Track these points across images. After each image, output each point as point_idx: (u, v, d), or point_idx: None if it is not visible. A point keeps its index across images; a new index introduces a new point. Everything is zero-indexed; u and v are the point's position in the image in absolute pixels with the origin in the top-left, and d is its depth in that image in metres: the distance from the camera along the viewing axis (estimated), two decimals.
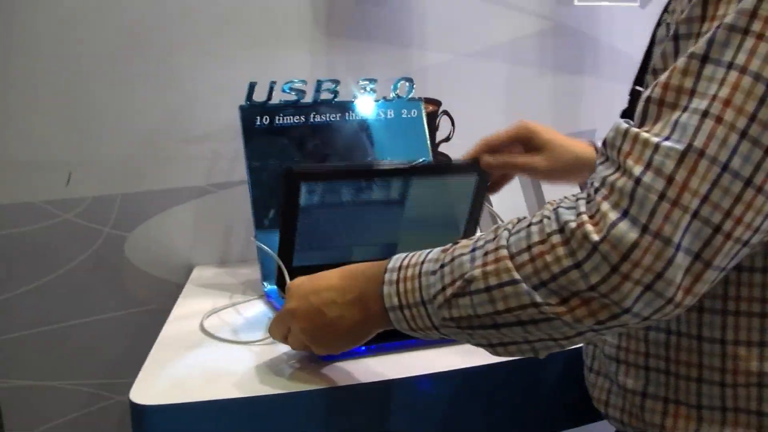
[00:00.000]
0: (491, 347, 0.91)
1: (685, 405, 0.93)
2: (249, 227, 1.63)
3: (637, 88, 1.05)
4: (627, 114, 1.08)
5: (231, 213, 1.66)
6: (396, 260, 0.97)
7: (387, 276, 0.96)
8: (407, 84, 1.58)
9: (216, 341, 1.24)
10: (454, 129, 1.66)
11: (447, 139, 1.66)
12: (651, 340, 0.95)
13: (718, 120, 0.75)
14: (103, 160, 1.56)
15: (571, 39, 2.01)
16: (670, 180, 0.75)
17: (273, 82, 1.49)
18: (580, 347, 1.13)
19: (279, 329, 1.10)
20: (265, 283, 1.45)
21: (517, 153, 1.35)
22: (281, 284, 1.23)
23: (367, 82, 1.56)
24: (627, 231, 0.75)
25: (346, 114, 1.55)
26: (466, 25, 1.86)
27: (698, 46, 0.78)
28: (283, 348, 1.16)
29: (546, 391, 1.20)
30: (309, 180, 1.29)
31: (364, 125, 1.56)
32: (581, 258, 0.78)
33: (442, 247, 0.94)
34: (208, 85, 1.60)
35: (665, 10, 0.98)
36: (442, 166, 1.44)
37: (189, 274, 1.62)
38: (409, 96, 1.59)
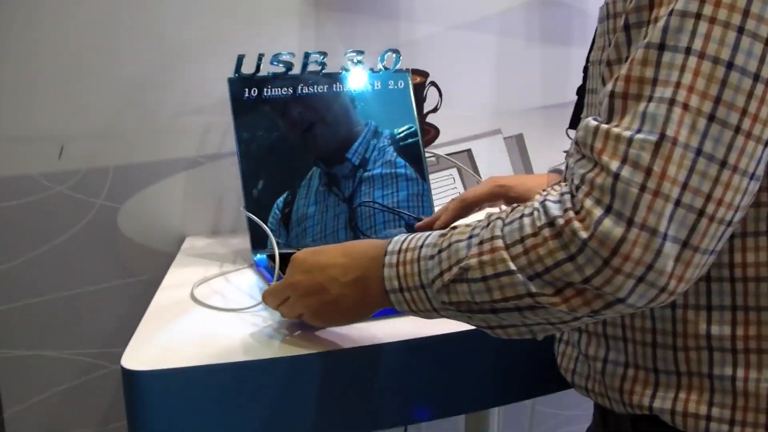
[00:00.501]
0: (490, 329, 0.93)
1: (643, 369, 0.94)
2: (240, 198, 1.65)
3: (588, 65, 1.06)
4: (581, 90, 1.12)
5: (222, 184, 1.68)
6: (396, 242, 0.99)
7: (387, 258, 0.98)
8: (394, 55, 1.60)
9: (206, 309, 1.26)
10: (441, 100, 1.67)
11: (434, 110, 1.68)
12: None
13: (685, 107, 0.76)
14: (96, 132, 1.58)
15: (558, 10, 2.02)
16: (648, 171, 0.76)
17: (261, 55, 1.51)
18: None
19: (276, 298, 1.13)
20: (254, 252, 1.47)
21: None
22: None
23: (355, 54, 1.58)
24: (613, 226, 0.77)
25: (334, 85, 1.57)
26: None
27: (654, 35, 0.79)
28: (274, 315, 1.18)
29: (518, 358, 1.21)
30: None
31: (351, 97, 1.58)
32: (574, 251, 0.80)
33: (440, 231, 0.96)
34: (199, 58, 1.62)
35: None
36: None
37: (181, 245, 1.64)
38: (396, 67, 1.61)
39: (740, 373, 0.89)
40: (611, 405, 0.98)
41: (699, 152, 0.76)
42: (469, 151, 1.92)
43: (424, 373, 1.15)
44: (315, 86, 1.55)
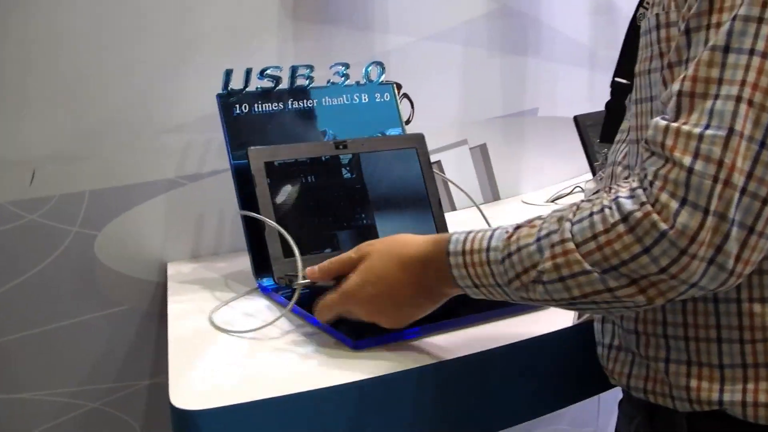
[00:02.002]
0: (565, 308, 0.99)
1: (708, 366, 0.97)
2: (221, 219, 1.61)
3: (618, 80, 1.16)
4: (610, 105, 1.19)
5: (202, 206, 1.60)
6: (455, 243, 1.03)
7: (452, 260, 1.02)
8: (378, 68, 1.57)
9: (230, 336, 1.21)
10: (413, 111, 1.66)
11: (407, 122, 1.66)
12: (668, 309, 0.99)
13: (749, 103, 0.83)
14: (70, 156, 1.48)
15: (515, 20, 2.04)
16: (720, 164, 0.82)
17: (249, 69, 1.46)
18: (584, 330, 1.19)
19: (332, 313, 1.14)
20: (259, 277, 1.41)
21: None
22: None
23: (342, 67, 1.54)
24: (690, 217, 0.82)
25: (323, 99, 1.53)
26: (425, 8, 1.86)
27: (718, 38, 0.85)
28: (299, 336, 1.19)
29: (552, 370, 1.23)
30: (272, 158, 1.39)
31: (339, 110, 1.55)
32: (649, 244, 0.84)
33: (502, 232, 0.99)
34: (175, 75, 1.54)
35: (641, 4, 1.08)
36: (379, 139, 1.53)
37: (161, 271, 1.56)
38: (380, 80, 1.58)
39: None
40: (674, 404, 1.00)
41: (763, 144, 0.83)
42: (438, 162, 1.90)
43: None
44: (304, 101, 1.51)
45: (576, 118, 1.79)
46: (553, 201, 1.94)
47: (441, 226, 1.48)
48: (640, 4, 1.08)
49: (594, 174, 1.77)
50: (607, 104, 1.18)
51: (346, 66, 1.53)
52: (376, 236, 1.40)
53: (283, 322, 1.24)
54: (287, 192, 1.38)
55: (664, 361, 1.00)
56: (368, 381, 1.04)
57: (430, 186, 1.49)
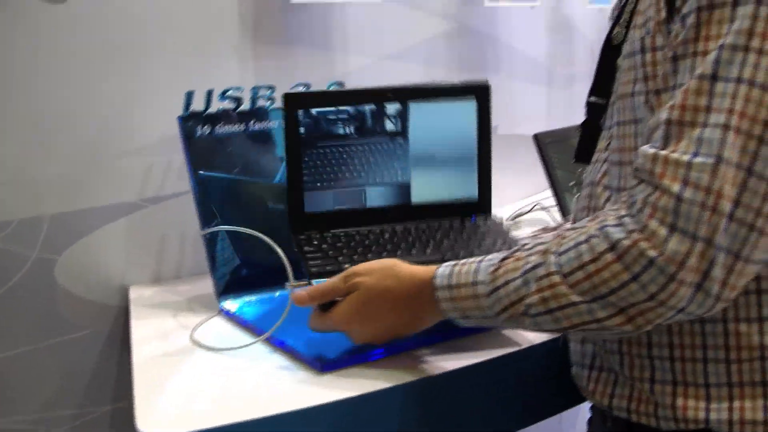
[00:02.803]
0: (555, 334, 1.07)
1: (694, 385, 0.98)
2: (183, 242, 1.59)
3: (593, 99, 1.15)
4: (587, 125, 1.18)
5: (163, 228, 1.59)
6: (442, 278, 1.05)
7: (440, 294, 1.04)
8: (339, 88, 1.57)
9: (196, 359, 1.21)
10: None
11: None
12: (653, 330, 0.99)
13: (737, 130, 0.84)
14: (29, 180, 1.46)
15: (473, 39, 2.05)
16: (708, 191, 0.83)
17: (210, 91, 1.45)
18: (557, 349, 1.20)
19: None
20: (221, 299, 1.40)
21: None
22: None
23: (302, 87, 1.54)
24: (679, 243, 0.84)
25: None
26: (384, 29, 1.87)
27: (706, 66, 0.87)
28: (267, 358, 1.19)
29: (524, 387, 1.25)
30: (305, 106, 1.32)
31: None
32: (637, 271, 0.86)
33: (488, 265, 1.01)
34: (135, 97, 1.53)
35: (616, 22, 1.09)
36: (435, 88, 1.42)
37: (123, 295, 1.54)
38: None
39: None
40: (658, 423, 1.01)
41: (750, 171, 0.84)
42: None
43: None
44: (267, 121, 1.50)
45: (536, 136, 1.80)
46: (513, 219, 1.95)
47: (484, 190, 1.43)
48: (615, 23, 1.09)
49: (556, 193, 1.78)
50: (583, 124, 1.18)
51: (308, 86, 1.53)
52: (408, 198, 1.38)
53: (249, 343, 1.24)
54: (319, 143, 1.34)
55: (649, 381, 1.01)
56: (336, 403, 1.04)
57: (483, 144, 1.42)
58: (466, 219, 1.38)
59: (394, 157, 1.37)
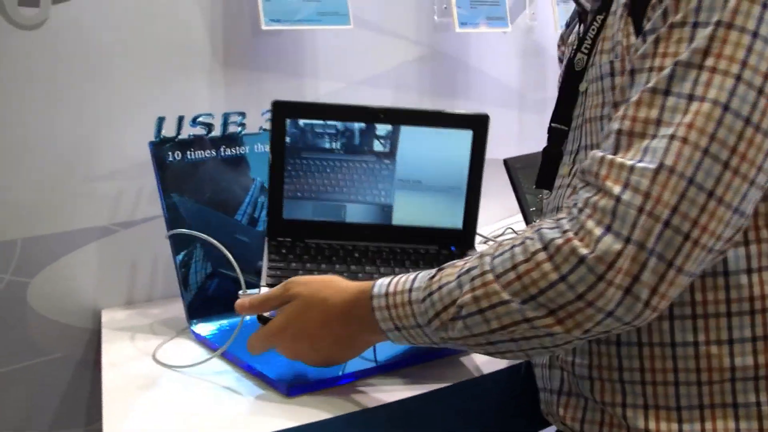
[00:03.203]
0: (489, 354, 1.00)
1: (665, 408, 0.99)
2: (154, 265, 1.60)
3: (555, 125, 1.15)
4: (548, 150, 1.18)
5: (135, 252, 1.60)
6: (381, 286, 1.05)
7: (375, 302, 1.04)
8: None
9: (165, 382, 1.22)
10: None
11: None
12: (623, 355, 1.01)
13: (684, 141, 0.85)
14: (1, 203, 1.47)
15: (445, 64, 2.08)
16: (646, 195, 0.85)
17: (181, 117, 1.47)
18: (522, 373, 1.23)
19: (263, 347, 1.15)
20: (192, 322, 1.42)
21: None
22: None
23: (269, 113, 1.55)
24: (612, 243, 0.85)
25: (255, 146, 1.54)
26: (355, 54, 1.89)
27: (659, 81, 0.89)
28: (234, 381, 1.19)
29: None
30: (295, 115, 1.34)
31: None
32: (566, 271, 0.87)
33: (428, 273, 1.02)
34: (107, 122, 1.54)
35: (578, 49, 1.10)
36: (431, 114, 1.42)
37: (95, 318, 1.55)
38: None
39: (763, 397, 0.96)
40: None
41: (691, 181, 0.85)
42: None
43: None
44: (237, 147, 1.52)
45: (506, 162, 1.82)
46: (485, 242, 1.97)
47: (470, 222, 1.41)
48: (577, 50, 1.10)
49: (525, 217, 1.80)
50: (545, 150, 1.19)
51: None
52: (389, 218, 1.38)
53: (219, 366, 1.26)
54: (304, 154, 1.35)
55: (621, 406, 1.02)
56: (301, 428, 1.05)
57: (474, 176, 1.40)
58: (445, 248, 1.38)
59: (379, 177, 1.38)
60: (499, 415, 1.27)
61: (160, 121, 1.45)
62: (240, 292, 1.24)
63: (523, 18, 2.35)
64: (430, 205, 1.39)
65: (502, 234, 1.99)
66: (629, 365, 1.01)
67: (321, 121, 1.35)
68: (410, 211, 1.38)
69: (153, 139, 1.45)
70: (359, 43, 1.89)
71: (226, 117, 1.52)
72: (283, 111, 1.34)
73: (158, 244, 1.48)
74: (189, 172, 1.47)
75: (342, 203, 1.36)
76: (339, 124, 1.37)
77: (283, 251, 1.29)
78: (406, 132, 1.38)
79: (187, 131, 1.49)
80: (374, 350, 1.22)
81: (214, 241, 1.31)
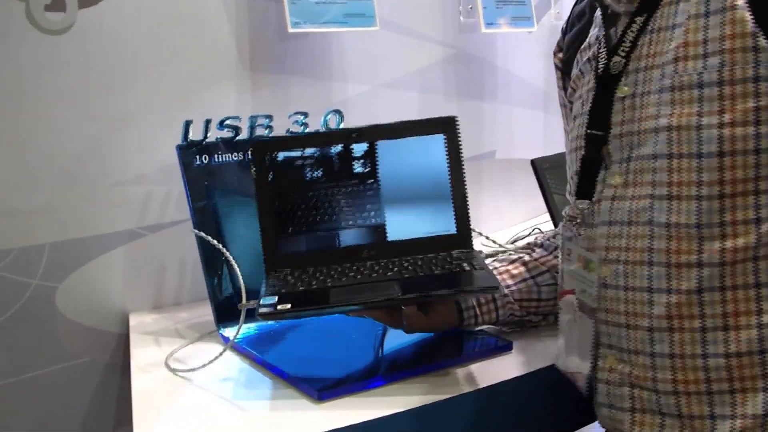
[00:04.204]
0: None
1: (752, 417, 0.98)
2: (182, 269, 1.61)
3: (592, 132, 1.11)
4: (587, 158, 1.12)
5: (162, 256, 1.61)
6: None
7: None
8: (337, 116, 1.58)
9: (195, 387, 1.22)
10: None
11: None
12: (711, 367, 1.00)
13: None
14: (29, 208, 1.47)
15: (472, 65, 2.07)
16: None
17: (208, 120, 1.47)
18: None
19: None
20: (220, 327, 1.41)
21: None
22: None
23: (299, 116, 1.55)
24: None
25: None
26: (381, 56, 1.89)
27: None
28: (265, 386, 1.19)
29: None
30: (274, 150, 1.34)
31: None
32: None
33: None
34: (135, 126, 1.55)
35: (614, 52, 1.07)
36: (400, 125, 1.40)
37: (123, 322, 1.56)
38: (339, 128, 1.59)
39: None
40: None
41: None
42: None
43: None
44: None
45: (533, 162, 1.81)
46: (512, 243, 1.96)
47: (463, 224, 1.37)
48: (612, 53, 1.07)
49: (553, 218, 1.79)
50: (584, 158, 1.12)
51: (305, 115, 1.54)
52: (384, 236, 1.36)
53: (249, 372, 1.26)
54: (289, 189, 1.35)
55: (709, 418, 1.00)
56: None
57: (456, 178, 1.37)
58: (442, 254, 1.36)
59: (366, 197, 1.36)
60: (536, 413, 1.26)
61: (187, 124, 1.45)
62: (239, 304, 1.27)
63: (549, 17, 2.33)
64: (421, 214, 1.37)
65: (530, 234, 1.98)
66: (717, 376, 0.99)
67: (299, 153, 1.36)
68: (403, 224, 1.37)
69: (180, 142, 1.45)
70: (385, 45, 1.89)
71: (253, 120, 1.51)
72: (262, 149, 1.35)
73: (186, 248, 1.49)
74: (217, 176, 1.47)
75: (334, 230, 1.35)
76: (318, 152, 1.36)
77: (281, 276, 1.29)
78: (382, 147, 1.37)
79: (215, 135, 1.49)
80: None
81: (223, 249, 1.34)
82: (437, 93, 1.99)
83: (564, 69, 1.28)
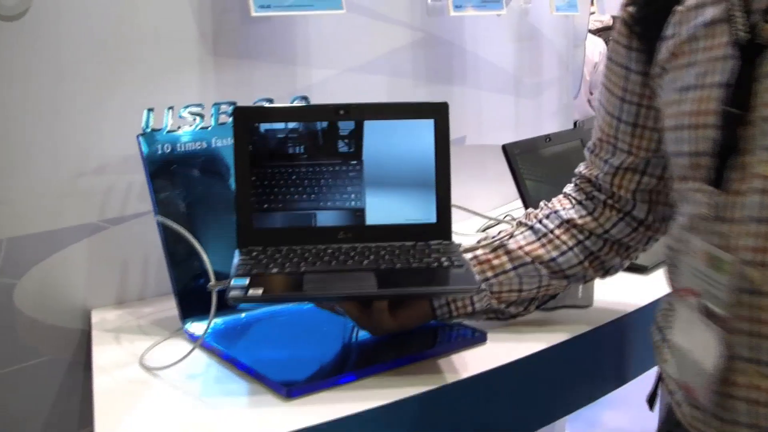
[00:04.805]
0: None
1: None
2: (146, 263, 1.56)
3: (729, 109, 0.95)
4: (723, 141, 0.96)
5: (125, 250, 1.55)
6: None
7: None
8: (303, 102, 1.54)
9: (158, 385, 1.18)
10: None
11: None
12: None
13: None
14: None
15: (440, 49, 2.03)
16: None
17: (170, 108, 1.42)
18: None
19: None
20: (185, 321, 1.37)
21: None
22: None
23: (265, 102, 1.51)
24: None
25: None
26: (348, 40, 1.84)
27: None
28: (231, 383, 1.17)
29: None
30: (259, 120, 1.28)
31: None
32: None
33: None
34: (93, 114, 1.49)
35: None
36: (391, 106, 1.35)
37: (86, 318, 1.50)
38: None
39: None
40: None
41: None
42: None
43: None
44: (229, 138, 1.46)
45: (505, 147, 1.77)
46: (483, 230, 1.93)
47: (443, 214, 1.33)
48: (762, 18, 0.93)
49: (525, 203, 1.75)
50: (720, 141, 0.95)
51: (270, 101, 1.50)
52: (362, 219, 1.31)
53: (217, 369, 1.22)
54: (268, 163, 1.29)
55: None
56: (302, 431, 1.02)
57: (442, 166, 1.33)
58: (421, 242, 1.32)
59: (348, 178, 1.31)
60: (504, 412, 1.24)
61: (149, 112, 1.40)
62: (209, 284, 1.23)
63: (518, 1, 2.30)
64: (402, 200, 1.33)
65: (502, 222, 1.94)
66: None
67: (283, 125, 1.30)
68: (383, 209, 1.32)
69: (141, 131, 1.40)
70: (352, 28, 1.84)
71: (216, 108, 1.46)
72: (245, 117, 1.29)
73: (150, 241, 1.43)
74: (180, 164, 1.42)
75: (312, 209, 1.31)
76: (302, 127, 1.31)
77: (254, 254, 1.24)
78: (369, 127, 1.31)
79: (177, 123, 1.44)
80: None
81: (187, 235, 1.29)
82: (405, 77, 1.95)
83: (634, 26, 1.13)
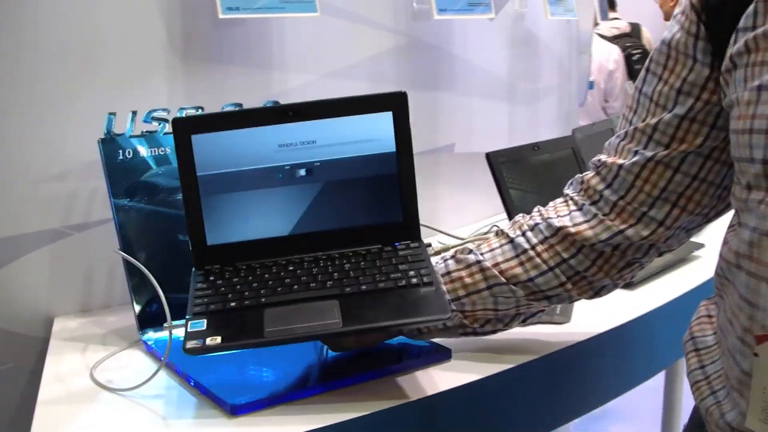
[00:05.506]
0: None
1: None
2: (111, 270, 1.52)
3: None
4: None
5: (90, 257, 1.52)
6: None
7: None
8: (236, 107, 1.48)
9: (107, 397, 1.16)
10: None
11: None
12: None
13: None
14: None
15: (426, 54, 1.98)
16: None
17: (134, 112, 1.38)
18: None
19: None
20: (143, 332, 1.33)
21: None
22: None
23: (232, 107, 1.46)
24: None
25: None
26: (326, 45, 1.79)
27: None
28: (178, 397, 1.14)
29: None
30: (201, 131, 1.21)
31: None
32: None
33: None
34: (58, 119, 1.45)
35: None
36: (344, 101, 1.28)
37: (48, 326, 1.47)
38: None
39: None
40: None
41: None
42: None
43: None
44: None
45: (488, 155, 1.72)
46: (471, 241, 1.88)
47: (410, 212, 1.27)
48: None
49: (509, 214, 1.70)
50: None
51: (239, 106, 1.45)
52: (324, 224, 1.25)
53: (165, 381, 1.19)
54: (216, 171, 1.23)
55: None
56: None
57: (404, 161, 1.25)
58: (388, 244, 1.27)
59: (304, 181, 1.26)
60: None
61: (111, 117, 1.37)
62: (165, 324, 1.16)
63: (512, 4, 2.25)
64: (365, 200, 1.27)
65: (488, 231, 1.89)
66: None
67: (229, 132, 1.23)
68: (344, 211, 1.26)
69: (102, 136, 1.37)
70: (331, 32, 1.79)
71: (181, 113, 1.42)
72: (185, 128, 1.21)
73: (115, 247, 1.40)
74: (142, 172, 1.38)
75: (269, 218, 1.25)
76: (249, 132, 1.24)
77: (211, 278, 1.19)
78: (323, 126, 1.25)
79: (142, 128, 1.40)
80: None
81: (144, 270, 1.24)
82: (388, 83, 1.90)
83: (703, 14, 1.02)
